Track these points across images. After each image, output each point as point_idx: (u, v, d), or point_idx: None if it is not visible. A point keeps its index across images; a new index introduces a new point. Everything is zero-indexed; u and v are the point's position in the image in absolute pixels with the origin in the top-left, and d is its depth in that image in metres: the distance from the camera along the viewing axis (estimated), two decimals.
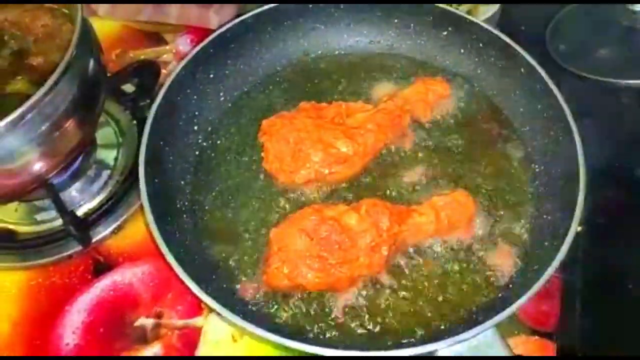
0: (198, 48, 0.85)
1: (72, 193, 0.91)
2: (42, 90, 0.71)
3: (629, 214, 0.91)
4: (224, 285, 0.74)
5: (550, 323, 0.79)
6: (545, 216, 0.77)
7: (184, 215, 0.79)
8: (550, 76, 0.84)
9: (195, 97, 0.87)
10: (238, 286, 0.75)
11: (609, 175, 0.94)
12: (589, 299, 0.82)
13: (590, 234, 0.87)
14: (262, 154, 0.82)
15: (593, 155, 0.93)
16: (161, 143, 0.80)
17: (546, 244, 0.73)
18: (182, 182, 0.82)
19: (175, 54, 1.07)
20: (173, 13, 1.24)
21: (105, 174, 0.93)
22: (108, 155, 0.94)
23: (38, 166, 0.77)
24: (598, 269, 0.86)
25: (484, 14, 1.10)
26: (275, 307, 0.73)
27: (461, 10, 1.01)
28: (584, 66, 1.03)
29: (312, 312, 0.72)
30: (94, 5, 1.23)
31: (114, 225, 0.88)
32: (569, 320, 0.81)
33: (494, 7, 1.09)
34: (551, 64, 1.04)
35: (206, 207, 0.81)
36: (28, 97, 0.70)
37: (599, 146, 0.96)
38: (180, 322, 0.81)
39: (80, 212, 0.88)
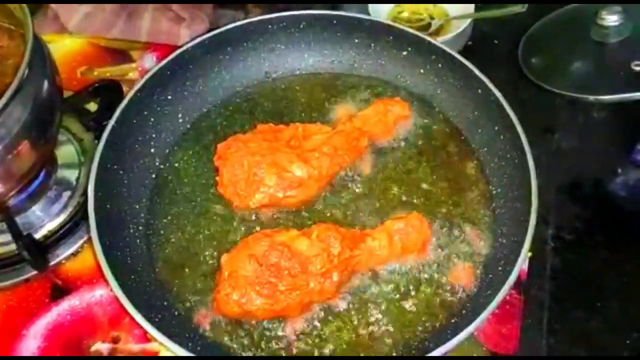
0: (154, 70, 0.84)
1: (33, 214, 0.90)
2: None
3: (597, 229, 0.90)
4: (176, 313, 0.74)
5: (510, 346, 0.78)
6: (500, 239, 0.77)
7: (137, 241, 0.78)
8: (521, 91, 0.83)
9: (152, 118, 0.86)
10: (192, 313, 0.74)
11: (577, 191, 0.93)
12: (556, 317, 0.82)
13: (558, 250, 0.86)
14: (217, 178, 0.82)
15: (563, 170, 0.94)
16: (115, 167, 0.80)
17: (499, 268, 0.72)
18: (137, 207, 0.81)
19: (140, 72, 1.07)
20: (144, 29, 1.24)
21: (66, 194, 0.92)
22: (69, 175, 0.93)
23: None
24: (566, 286, 0.85)
25: (456, 28, 1.10)
26: (227, 335, 0.72)
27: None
28: (555, 81, 1.02)
29: (264, 340, 0.72)
30: (63, 20, 1.23)
31: (73, 248, 0.87)
32: (534, 340, 0.80)
33: (465, 22, 1.09)
34: (523, 79, 1.04)
35: (161, 232, 0.80)
36: None
37: (568, 161, 0.96)
38: (136, 347, 0.80)
39: (39, 234, 0.87)
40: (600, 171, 0.95)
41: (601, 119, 1.03)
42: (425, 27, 1.16)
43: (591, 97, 1.00)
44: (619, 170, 0.95)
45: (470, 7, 1.12)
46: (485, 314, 0.64)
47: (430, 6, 1.19)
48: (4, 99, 0.70)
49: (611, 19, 1.02)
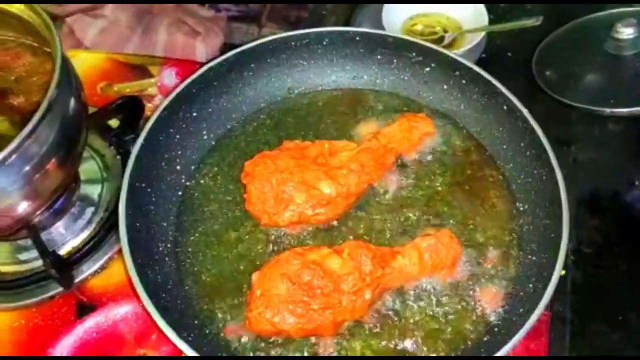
0: (180, 88, 0.84)
1: (56, 231, 0.90)
2: (24, 133, 0.70)
3: (616, 242, 0.91)
4: (207, 331, 0.73)
5: None
6: (530, 257, 0.76)
7: (166, 259, 0.78)
8: (536, 104, 0.83)
9: (178, 136, 0.86)
10: (222, 331, 0.74)
11: (595, 203, 0.94)
12: (578, 332, 0.82)
13: (578, 264, 0.87)
14: (245, 195, 0.82)
15: (580, 184, 0.94)
16: (143, 185, 0.80)
17: (531, 286, 0.72)
18: (165, 224, 0.81)
19: (159, 88, 1.07)
20: (159, 43, 1.25)
21: (90, 210, 0.92)
22: (92, 191, 0.94)
23: (21, 208, 0.77)
24: (587, 300, 0.85)
25: (470, 41, 1.10)
26: (260, 353, 0.72)
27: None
28: (570, 94, 1.03)
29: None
30: (80, 37, 1.23)
31: (98, 265, 0.87)
32: (557, 354, 0.80)
33: (479, 35, 1.10)
34: (538, 91, 1.05)
35: (189, 250, 0.80)
36: (8, 138, 0.69)
37: (585, 174, 0.96)
38: None
39: (63, 251, 0.87)
40: (618, 183, 0.96)
41: (617, 132, 1.04)
42: (439, 41, 1.16)
43: (607, 110, 1.01)
44: (637, 183, 0.96)
45: (484, 20, 1.12)
46: (521, 333, 0.64)
47: (443, 19, 1.19)
48: (35, 120, 0.70)
49: (626, 32, 1.03)
